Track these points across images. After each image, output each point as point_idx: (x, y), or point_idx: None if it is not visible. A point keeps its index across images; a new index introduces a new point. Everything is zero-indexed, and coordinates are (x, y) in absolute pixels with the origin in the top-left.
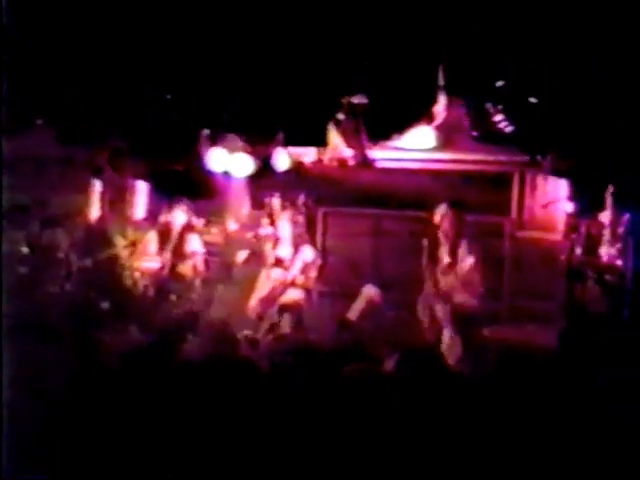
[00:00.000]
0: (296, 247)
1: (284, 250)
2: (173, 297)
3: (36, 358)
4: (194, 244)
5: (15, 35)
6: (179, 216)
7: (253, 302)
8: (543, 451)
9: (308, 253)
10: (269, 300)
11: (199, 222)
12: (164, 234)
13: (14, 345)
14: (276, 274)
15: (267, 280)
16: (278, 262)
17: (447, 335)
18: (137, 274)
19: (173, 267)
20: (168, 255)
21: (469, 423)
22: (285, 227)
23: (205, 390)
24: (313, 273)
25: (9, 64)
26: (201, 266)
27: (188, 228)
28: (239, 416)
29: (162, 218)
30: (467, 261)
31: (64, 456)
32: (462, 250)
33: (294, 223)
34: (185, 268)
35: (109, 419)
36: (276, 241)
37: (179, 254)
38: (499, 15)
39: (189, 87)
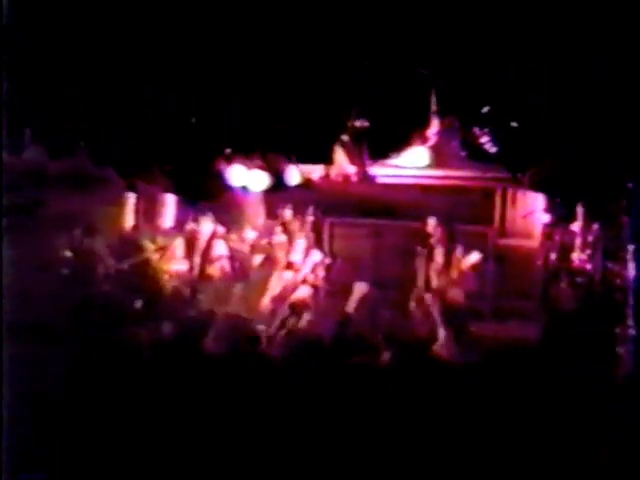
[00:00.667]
0: (306, 252)
1: (296, 256)
2: (200, 296)
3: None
4: (220, 249)
5: (15, 35)
6: (206, 225)
7: (266, 300)
8: (526, 433)
9: (316, 255)
10: (281, 298)
11: (222, 230)
12: (192, 241)
13: (24, 345)
14: (287, 276)
15: (279, 281)
16: (290, 265)
17: (442, 333)
18: (167, 276)
19: (202, 269)
20: (197, 259)
21: (459, 409)
22: (299, 240)
23: (220, 380)
24: (321, 272)
25: (9, 64)
26: (226, 267)
27: (214, 235)
28: (252, 402)
29: (188, 226)
30: (468, 261)
31: (65, 455)
32: (459, 254)
33: (307, 238)
34: (213, 270)
35: (121, 416)
36: (288, 247)
37: (207, 258)
38: (484, 48)
39: (213, 112)
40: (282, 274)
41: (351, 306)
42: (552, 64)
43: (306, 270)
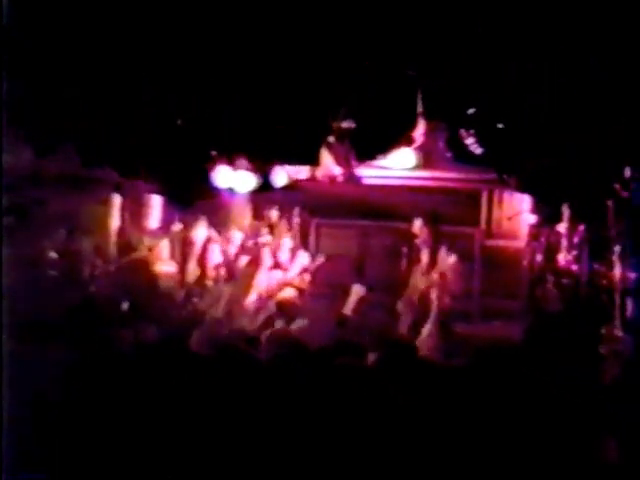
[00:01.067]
0: (293, 253)
1: (283, 255)
2: (191, 298)
3: (48, 357)
4: (216, 254)
5: (15, 35)
6: (201, 230)
7: (252, 299)
8: (511, 434)
9: (304, 257)
10: (267, 298)
11: (216, 234)
12: (185, 244)
13: (26, 345)
14: (275, 275)
15: (266, 280)
16: (277, 265)
17: (426, 327)
18: (155, 277)
19: (199, 273)
20: (193, 262)
21: (446, 410)
22: (286, 240)
23: (206, 381)
24: (307, 275)
25: (9, 64)
26: (222, 272)
27: (209, 240)
28: (238, 404)
29: (175, 227)
30: (446, 264)
31: (65, 455)
32: (441, 256)
33: (294, 238)
34: (209, 273)
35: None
36: (275, 248)
37: (203, 262)
38: (470, 50)
39: (199, 113)
40: (269, 273)
41: (349, 308)
42: (538, 65)
43: (293, 272)
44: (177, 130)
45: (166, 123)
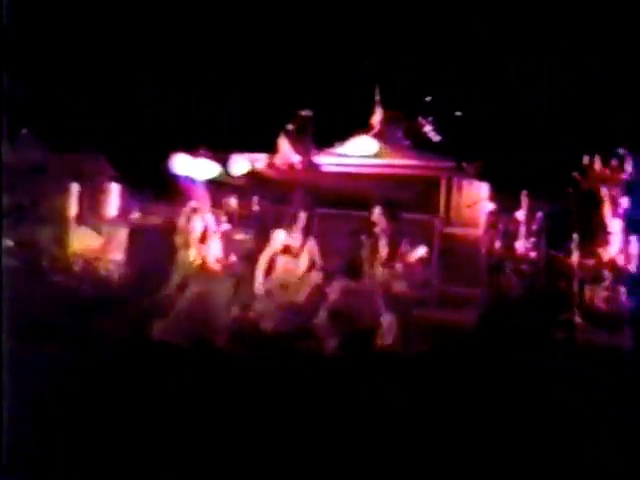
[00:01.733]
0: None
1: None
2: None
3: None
4: (215, 243)
5: (15, 35)
6: (197, 221)
7: (260, 281)
8: (469, 417)
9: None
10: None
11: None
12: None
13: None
14: (284, 260)
15: (278, 265)
16: (286, 249)
17: (386, 319)
18: (110, 266)
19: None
20: (192, 252)
21: (404, 396)
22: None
23: (173, 369)
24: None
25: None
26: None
27: (207, 229)
28: (204, 392)
29: (133, 216)
30: (414, 255)
31: (62, 454)
32: (405, 246)
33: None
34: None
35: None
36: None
37: (200, 252)
38: (430, 41)
39: (159, 101)
40: (279, 258)
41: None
42: (497, 54)
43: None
44: (137, 117)
45: (126, 111)
